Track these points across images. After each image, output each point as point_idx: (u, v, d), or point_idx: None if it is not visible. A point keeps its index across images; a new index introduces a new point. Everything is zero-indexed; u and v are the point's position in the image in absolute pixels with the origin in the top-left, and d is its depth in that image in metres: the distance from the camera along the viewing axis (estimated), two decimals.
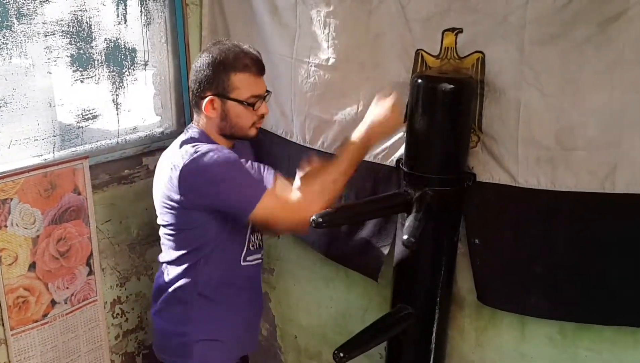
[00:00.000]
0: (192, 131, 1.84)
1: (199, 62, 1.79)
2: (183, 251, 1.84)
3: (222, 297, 1.88)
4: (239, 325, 1.97)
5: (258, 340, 2.23)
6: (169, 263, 1.89)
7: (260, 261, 1.99)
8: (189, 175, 1.69)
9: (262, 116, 1.84)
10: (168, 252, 1.89)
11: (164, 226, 1.87)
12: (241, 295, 1.94)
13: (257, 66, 1.80)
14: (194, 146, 1.73)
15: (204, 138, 1.81)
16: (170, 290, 1.88)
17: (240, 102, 1.77)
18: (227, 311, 1.91)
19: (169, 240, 1.87)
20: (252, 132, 1.84)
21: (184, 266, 1.85)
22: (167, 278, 1.90)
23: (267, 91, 1.84)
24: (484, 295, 1.99)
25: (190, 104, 2.38)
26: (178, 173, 1.69)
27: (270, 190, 1.70)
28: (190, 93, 1.84)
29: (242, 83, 1.77)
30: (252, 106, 1.79)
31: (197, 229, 1.79)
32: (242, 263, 1.90)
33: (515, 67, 1.75)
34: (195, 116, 1.87)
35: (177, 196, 1.73)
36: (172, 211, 1.79)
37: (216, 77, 1.76)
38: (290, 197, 1.72)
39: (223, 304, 1.89)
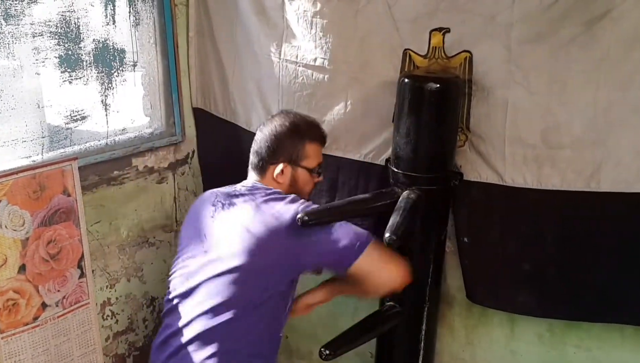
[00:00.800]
0: (266, 188, 1.86)
1: (270, 128, 1.86)
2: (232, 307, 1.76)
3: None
4: None
5: None
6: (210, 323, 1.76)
7: None
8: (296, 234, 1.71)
9: (316, 185, 1.94)
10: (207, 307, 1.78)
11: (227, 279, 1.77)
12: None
13: (324, 137, 1.91)
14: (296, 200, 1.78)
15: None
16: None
17: (309, 170, 1.87)
18: None
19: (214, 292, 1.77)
20: (307, 197, 1.90)
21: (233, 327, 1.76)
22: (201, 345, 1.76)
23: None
24: (472, 293, 2.00)
25: (180, 105, 2.39)
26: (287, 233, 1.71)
27: (376, 241, 1.71)
28: (257, 158, 1.89)
29: (314, 153, 1.87)
30: (319, 174, 1.89)
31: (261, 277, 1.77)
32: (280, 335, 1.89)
33: (502, 66, 1.77)
34: (255, 177, 1.91)
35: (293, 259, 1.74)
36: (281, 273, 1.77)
37: (291, 145, 1.84)
38: (393, 253, 1.73)
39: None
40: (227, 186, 1.96)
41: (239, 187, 1.91)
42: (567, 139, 1.72)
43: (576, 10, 1.64)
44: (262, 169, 1.88)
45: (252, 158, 1.92)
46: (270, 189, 1.85)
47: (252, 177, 1.93)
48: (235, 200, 1.86)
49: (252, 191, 1.85)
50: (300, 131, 1.86)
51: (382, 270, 1.72)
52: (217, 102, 2.50)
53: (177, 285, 1.88)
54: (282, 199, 1.78)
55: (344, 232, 1.71)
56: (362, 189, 2.09)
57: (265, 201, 1.78)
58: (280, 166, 1.85)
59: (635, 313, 1.75)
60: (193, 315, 1.78)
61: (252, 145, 1.93)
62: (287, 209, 1.73)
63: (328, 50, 2.07)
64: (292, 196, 1.80)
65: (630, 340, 1.82)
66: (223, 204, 1.88)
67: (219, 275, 1.75)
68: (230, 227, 1.80)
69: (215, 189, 1.99)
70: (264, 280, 1.75)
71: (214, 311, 1.74)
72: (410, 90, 1.78)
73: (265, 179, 1.88)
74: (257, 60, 2.25)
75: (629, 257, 1.71)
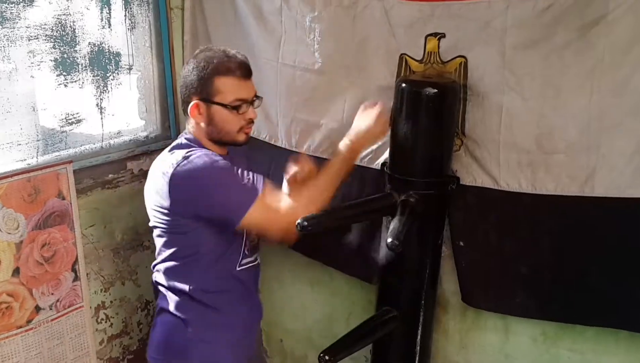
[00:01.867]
0: (183, 137, 1.84)
1: (186, 68, 1.79)
2: (176, 257, 1.82)
3: (218, 303, 1.86)
4: (237, 329, 1.95)
5: (260, 340, 2.24)
6: (165, 268, 1.86)
7: (255, 263, 1.96)
8: (179, 182, 1.68)
9: (250, 121, 1.82)
10: (162, 257, 1.87)
11: (157, 232, 1.84)
12: (238, 299, 1.92)
13: (241, 70, 1.78)
14: (185, 152, 1.73)
15: (195, 143, 1.80)
16: (168, 297, 1.86)
17: (224, 106, 1.76)
18: (224, 317, 1.89)
19: (162, 245, 1.85)
20: (241, 137, 1.82)
21: (178, 272, 1.83)
22: (163, 282, 1.88)
23: (257, 96, 1.83)
24: (468, 297, 2.01)
25: (175, 109, 2.39)
26: (168, 179, 1.68)
27: (260, 198, 1.70)
28: (181, 99, 1.84)
29: (225, 87, 1.75)
30: (236, 109, 1.77)
31: (188, 234, 1.78)
32: (237, 268, 1.88)
33: (497, 71, 1.78)
34: (186, 123, 1.86)
35: (166, 203, 1.72)
36: (163, 218, 1.77)
37: (200, 82, 1.75)
38: (280, 205, 1.73)
39: (219, 310, 1.87)
40: None
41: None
42: (561, 144, 1.72)
43: (570, 16, 1.65)
44: (184, 111, 1.83)
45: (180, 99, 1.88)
46: (180, 139, 1.84)
47: (186, 122, 1.89)
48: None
49: (176, 142, 1.85)
50: (208, 66, 1.75)
51: (267, 227, 1.74)
52: None
53: None
54: (171, 155, 1.76)
55: (225, 193, 1.72)
56: (357, 193, 2.09)
57: (164, 157, 1.78)
58: (192, 104, 1.77)
59: (629, 317, 1.75)
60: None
61: None
62: (169, 166, 1.71)
63: (326, 54, 2.07)
64: (186, 152, 1.75)
65: (624, 344, 1.82)
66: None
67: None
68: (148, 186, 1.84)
69: None
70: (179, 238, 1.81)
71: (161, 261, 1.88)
72: (408, 95, 1.79)
73: (188, 121, 1.84)
74: (255, 64, 2.24)
75: (623, 261, 1.72)
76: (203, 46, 1.88)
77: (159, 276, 1.88)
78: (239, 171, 1.79)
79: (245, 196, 1.70)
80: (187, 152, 1.73)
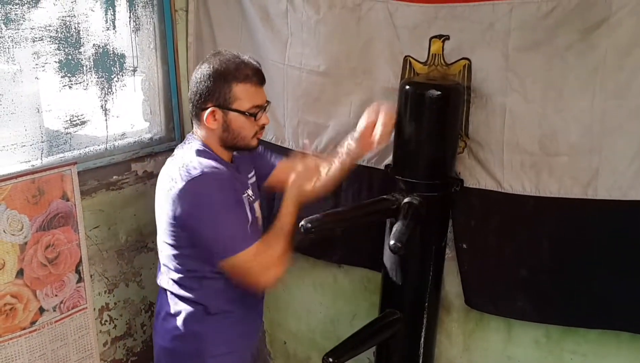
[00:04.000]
0: (193, 143, 1.80)
1: (199, 73, 1.76)
2: (186, 273, 1.80)
3: (231, 311, 1.85)
4: (249, 334, 1.95)
5: (264, 342, 2.25)
6: (175, 286, 1.83)
7: None
8: (184, 197, 1.67)
9: (262, 126, 1.82)
10: (170, 274, 1.83)
11: (168, 245, 1.80)
12: (248, 305, 1.91)
13: (258, 76, 1.77)
14: (197, 161, 1.72)
15: (205, 150, 1.78)
16: (179, 317, 1.82)
17: (242, 113, 1.74)
18: (238, 324, 1.88)
19: (172, 260, 1.81)
20: (254, 142, 1.81)
21: (190, 288, 1.80)
22: (173, 304, 1.84)
23: (267, 101, 1.82)
24: (471, 299, 2.01)
25: (180, 110, 2.38)
26: (176, 192, 1.68)
27: (247, 252, 1.69)
28: (190, 105, 1.81)
29: (243, 94, 1.74)
30: (253, 116, 1.76)
31: (195, 249, 1.76)
32: None
33: (500, 73, 1.78)
34: (195, 127, 1.84)
35: (171, 213, 1.71)
36: (172, 229, 1.75)
37: (217, 88, 1.73)
38: (262, 261, 1.71)
39: (232, 317, 1.85)
40: None
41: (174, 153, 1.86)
42: (564, 146, 1.73)
43: (573, 18, 1.65)
44: (195, 116, 1.80)
45: (189, 105, 1.83)
46: (189, 143, 1.80)
47: (194, 126, 1.86)
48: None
49: (182, 147, 1.83)
50: (226, 73, 1.74)
51: (245, 276, 1.72)
52: None
53: None
54: (184, 167, 1.72)
55: (227, 228, 1.70)
56: (365, 194, 2.10)
57: (173, 164, 1.76)
58: (207, 111, 1.75)
59: (631, 320, 1.76)
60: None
61: None
62: (182, 179, 1.69)
63: (331, 56, 2.08)
64: (198, 162, 1.72)
65: (626, 346, 1.83)
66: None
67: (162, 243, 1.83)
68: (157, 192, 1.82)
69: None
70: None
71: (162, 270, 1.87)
72: (412, 96, 1.79)
73: (201, 126, 1.79)
74: (262, 65, 2.25)
75: (626, 264, 1.72)
76: (213, 50, 1.88)
77: (167, 283, 1.86)
78: (248, 190, 1.84)
79: (235, 242, 1.69)
80: (200, 163, 1.71)
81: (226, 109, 1.74)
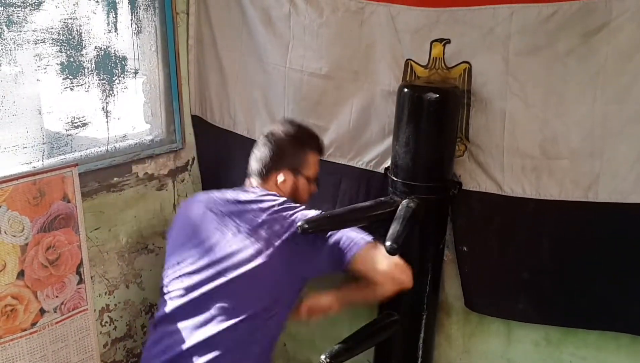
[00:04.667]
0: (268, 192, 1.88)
1: (275, 137, 1.90)
2: (262, 304, 1.78)
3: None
4: None
5: None
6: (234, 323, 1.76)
7: None
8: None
9: (312, 194, 1.96)
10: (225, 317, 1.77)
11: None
12: None
13: (323, 149, 1.96)
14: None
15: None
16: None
17: (308, 180, 1.91)
18: None
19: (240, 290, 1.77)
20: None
21: (263, 323, 1.80)
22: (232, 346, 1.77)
23: None
24: (471, 302, 2.01)
25: (181, 113, 2.38)
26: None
27: (373, 242, 1.73)
28: (259, 163, 1.92)
29: (313, 163, 1.91)
30: (315, 184, 1.92)
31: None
32: None
33: (500, 77, 1.79)
34: (257, 183, 1.93)
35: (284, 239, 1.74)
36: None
37: (295, 154, 1.88)
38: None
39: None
40: (224, 191, 1.97)
41: (243, 195, 1.89)
42: (564, 150, 1.74)
43: (574, 23, 1.66)
44: (264, 176, 1.90)
45: (255, 165, 1.93)
46: (279, 197, 1.84)
47: (254, 183, 1.94)
48: (242, 208, 1.85)
49: (261, 199, 1.85)
50: (303, 141, 1.90)
51: (384, 265, 1.70)
52: (213, 110, 2.52)
53: (176, 289, 1.87)
54: (292, 208, 1.79)
55: (348, 232, 1.75)
56: (363, 197, 2.11)
57: (276, 210, 1.79)
58: (283, 174, 1.87)
59: (632, 321, 1.76)
60: (198, 323, 1.78)
61: (254, 152, 1.94)
62: (297, 217, 1.75)
63: (333, 59, 2.09)
64: (300, 205, 1.82)
65: (625, 349, 1.83)
66: (229, 212, 1.86)
67: (228, 283, 1.76)
68: (239, 235, 1.80)
69: (210, 193, 1.99)
70: (274, 288, 1.77)
71: (221, 317, 1.75)
72: (410, 100, 1.80)
73: (267, 185, 1.90)
74: (263, 68, 2.27)
75: (626, 266, 1.73)
76: (285, 118, 2.09)
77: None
78: None
79: (360, 235, 1.78)
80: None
81: (298, 174, 1.89)
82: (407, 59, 1.95)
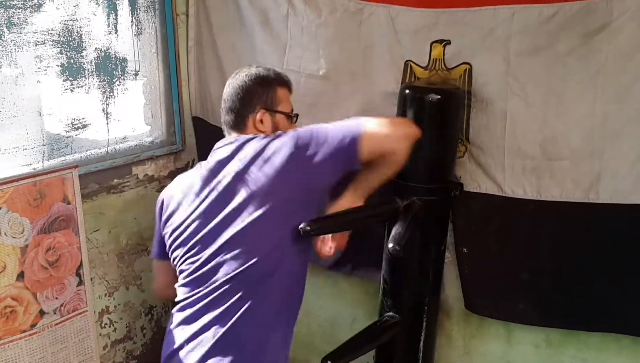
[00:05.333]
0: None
1: (238, 82, 1.80)
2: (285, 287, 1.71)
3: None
4: None
5: None
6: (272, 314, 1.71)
7: None
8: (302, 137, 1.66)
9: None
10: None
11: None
12: None
13: (291, 84, 1.86)
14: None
15: None
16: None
17: (287, 115, 1.81)
18: None
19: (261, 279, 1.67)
20: None
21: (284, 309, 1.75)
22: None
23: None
24: (472, 303, 2.01)
25: (181, 114, 2.37)
26: (294, 139, 1.65)
27: (367, 120, 1.67)
28: (230, 114, 1.80)
29: (284, 97, 1.81)
30: (294, 119, 1.84)
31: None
32: None
33: (501, 78, 1.79)
34: (235, 134, 1.81)
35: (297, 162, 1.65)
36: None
37: (264, 92, 1.78)
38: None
39: None
40: (202, 163, 1.86)
41: (221, 145, 1.80)
42: (565, 150, 1.73)
43: (574, 23, 1.66)
44: (240, 123, 1.79)
45: (227, 116, 1.82)
46: (255, 135, 1.76)
47: (232, 135, 1.82)
48: (224, 158, 1.75)
49: (238, 142, 1.75)
50: (268, 77, 1.80)
51: (389, 129, 1.67)
52: (214, 111, 2.51)
53: (184, 267, 1.78)
54: (273, 137, 1.71)
55: (336, 132, 1.66)
56: None
57: (257, 145, 1.70)
58: (259, 114, 1.77)
59: (633, 323, 1.76)
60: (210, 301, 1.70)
61: (222, 104, 1.85)
62: (282, 141, 1.67)
63: (331, 60, 2.09)
64: (279, 132, 1.73)
65: (627, 350, 1.82)
66: (214, 171, 1.76)
67: (241, 231, 1.66)
68: (235, 184, 1.69)
69: (196, 167, 1.87)
70: (290, 216, 1.67)
71: (240, 258, 1.66)
72: (411, 101, 1.80)
73: (246, 132, 1.79)
74: None
75: (627, 267, 1.73)
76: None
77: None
78: None
79: (353, 123, 1.70)
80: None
81: (273, 112, 1.78)
82: (406, 60, 1.94)
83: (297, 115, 1.85)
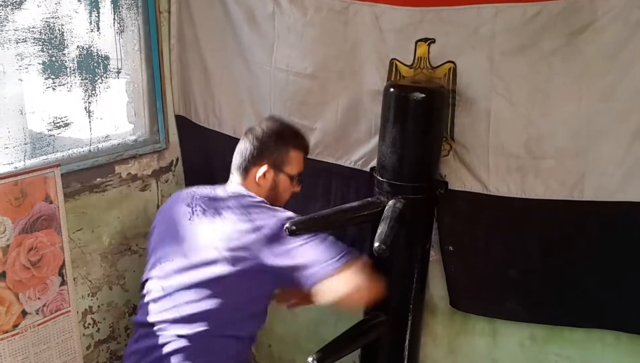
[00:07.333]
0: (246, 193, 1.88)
1: (257, 132, 1.90)
2: (244, 311, 1.82)
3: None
4: None
5: None
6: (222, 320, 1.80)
7: None
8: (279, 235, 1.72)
9: (294, 194, 1.95)
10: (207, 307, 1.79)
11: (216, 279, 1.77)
12: None
13: (308, 148, 1.95)
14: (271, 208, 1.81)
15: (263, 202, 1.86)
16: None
17: (290, 177, 1.89)
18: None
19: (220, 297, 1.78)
20: (284, 206, 1.91)
21: (245, 329, 1.84)
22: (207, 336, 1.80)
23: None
24: (457, 301, 2.02)
25: (164, 113, 2.36)
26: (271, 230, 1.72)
27: (349, 263, 1.70)
28: (242, 158, 1.91)
29: (296, 160, 1.90)
30: (297, 182, 1.92)
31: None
32: None
33: (485, 77, 1.79)
34: (237, 178, 1.93)
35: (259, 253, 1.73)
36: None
37: (276, 150, 1.87)
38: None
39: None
40: (205, 187, 1.97)
41: (221, 192, 1.91)
42: (550, 149, 1.74)
43: (558, 23, 1.66)
44: (245, 170, 1.90)
45: (236, 159, 1.94)
46: (255, 197, 1.85)
47: (235, 179, 1.94)
48: (218, 206, 1.85)
49: (237, 198, 1.85)
50: (286, 137, 1.89)
51: (341, 292, 1.68)
52: (197, 110, 2.50)
53: (152, 288, 1.90)
54: (267, 209, 1.79)
55: (321, 249, 1.70)
56: (353, 195, 2.11)
57: (250, 211, 1.78)
58: (263, 168, 1.87)
59: (618, 318, 1.77)
60: (168, 318, 1.81)
61: (238, 146, 1.95)
62: (271, 220, 1.74)
63: (318, 59, 2.09)
64: (278, 207, 1.82)
65: (611, 348, 1.84)
66: (204, 210, 1.87)
67: (199, 284, 1.77)
68: (212, 235, 1.80)
69: (191, 190, 2.00)
70: (245, 291, 1.77)
71: (190, 319, 1.78)
72: (396, 99, 1.80)
73: (247, 181, 1.90)
74: (248, 68, 2.26)
75: (611, 264, 1.74)
76: (270, 115, 2.09)
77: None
78: None
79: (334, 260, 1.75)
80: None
81: (278, 171, 1.88)
82: (392, 59, 1.94)
83: (300, 181, 1.94)
